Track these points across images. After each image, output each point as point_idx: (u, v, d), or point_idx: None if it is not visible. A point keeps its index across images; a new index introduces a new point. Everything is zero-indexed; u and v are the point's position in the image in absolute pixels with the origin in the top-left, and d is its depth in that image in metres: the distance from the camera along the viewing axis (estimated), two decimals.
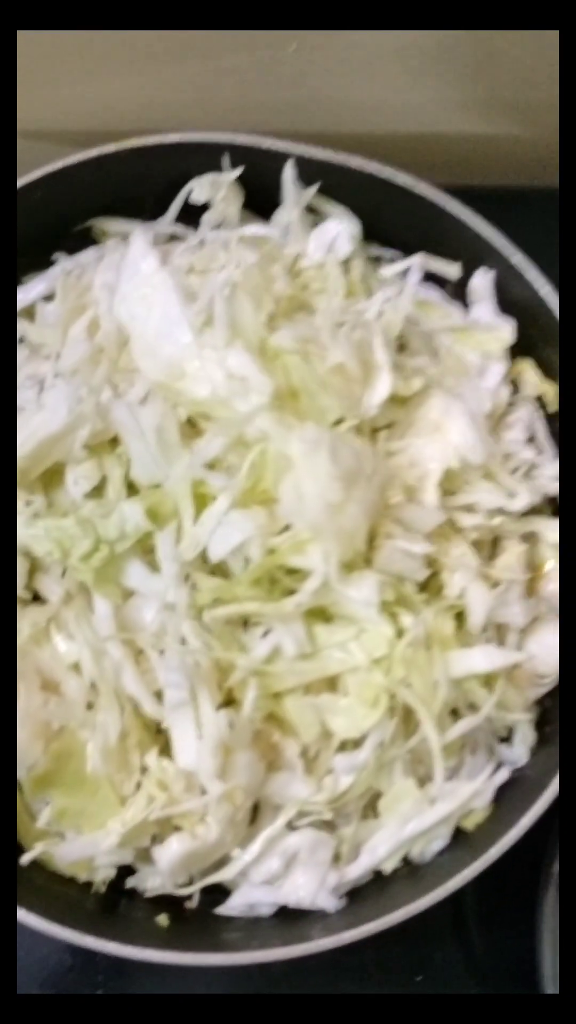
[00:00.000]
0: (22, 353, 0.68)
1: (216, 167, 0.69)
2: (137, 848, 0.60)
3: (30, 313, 0.70)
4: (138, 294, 0.63)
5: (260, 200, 0.71)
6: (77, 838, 0.59)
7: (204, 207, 0.70)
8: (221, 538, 0.57)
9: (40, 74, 0.71)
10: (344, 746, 0.60)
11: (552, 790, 0.59)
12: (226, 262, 0.66)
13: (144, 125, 0.69)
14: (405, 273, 0.71)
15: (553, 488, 0.66)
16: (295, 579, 0.58)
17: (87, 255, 0.71)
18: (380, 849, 0.61)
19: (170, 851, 0.58)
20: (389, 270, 0.71)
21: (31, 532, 0.58)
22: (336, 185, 0.69)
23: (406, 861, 0.63)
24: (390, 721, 0.59)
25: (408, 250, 0.71)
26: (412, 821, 0.61)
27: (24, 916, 0.56)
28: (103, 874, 0.61)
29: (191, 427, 0.61)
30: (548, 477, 0.67)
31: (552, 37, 0.63)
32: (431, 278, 0.72)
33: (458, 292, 0.72)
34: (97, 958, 0.60)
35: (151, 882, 0.61)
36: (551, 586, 0.66)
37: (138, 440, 0.59)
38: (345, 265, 0.69)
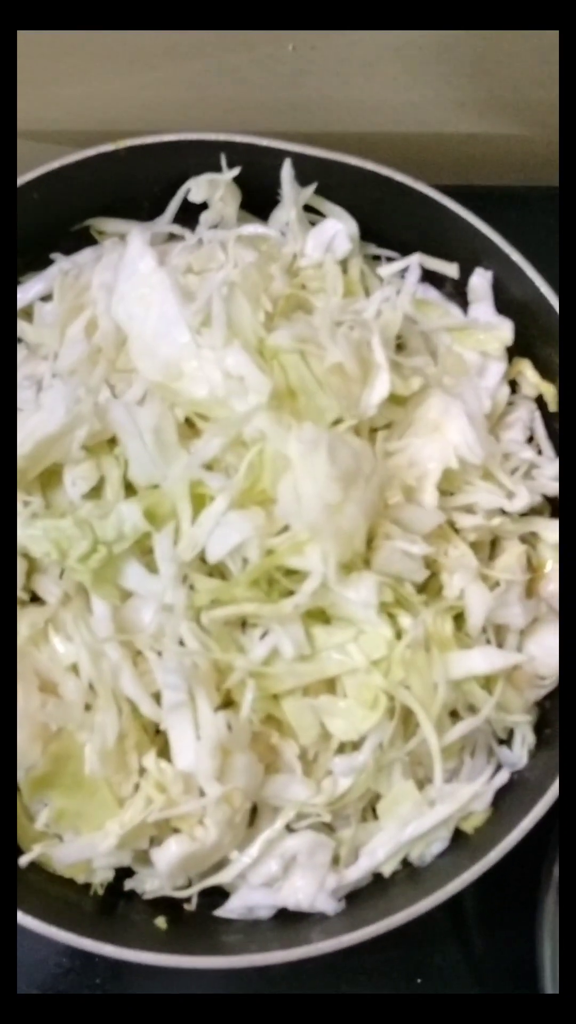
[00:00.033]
0: (20, 353, 0.68)
1: (214, 167, 0.69)
2: (135, 850, 0.60)
3: (28, 313, 0.70)
4: (136, 294, 0.63)
5: (258, 199, 0.71)
6: (75, 840, 0.59)
7: (202, 206, 0.70)
8: (219, 539, 0.57)
9: (39, 74, 0.71)
10: (343, 748, 0.60)
11: (552, 792, 0.59)
12: (224, 262, 0.67)
13: (142, 125, 0.69)
14: (404, 272, 0.71)
15: (552, 488, 0.66)
16: (293, 580, 0.58)
17: (85, 255, 0.71)
18: (379, 851, 0.61)
19: (168, 853, 0.58)
20: (387, 269, 0.72)
21: (29, 533, 0.58)
22: (334, 184, 0.69)
23: (405, 863, 0.62)
24: (389, 723, 0.59)
25: (406, 249, 0.71)
26: (411, 823, 0.61)
27: (22, 918, 0.56)
28: (101, 876, 0.61)
29: (189, 427, 0.61)
30: (547, 477, 0.67)
31: (552, 37, 0.63)
32: (430, 277, 0.72)
33: (457, 291, 0.72)
34: (95, 959, 0.60)
35: (149, 884, 0.61)
36: (551, 587, 0.65)
37: (136, 440, 0.59)
38: (343, 264, 0.69)
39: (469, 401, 0.64)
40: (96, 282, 0.66)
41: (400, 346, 0.67)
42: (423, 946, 0.69)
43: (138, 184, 0.70)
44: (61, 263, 0.71)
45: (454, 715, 0.62)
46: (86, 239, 0.72)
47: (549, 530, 0.65)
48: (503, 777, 0.63)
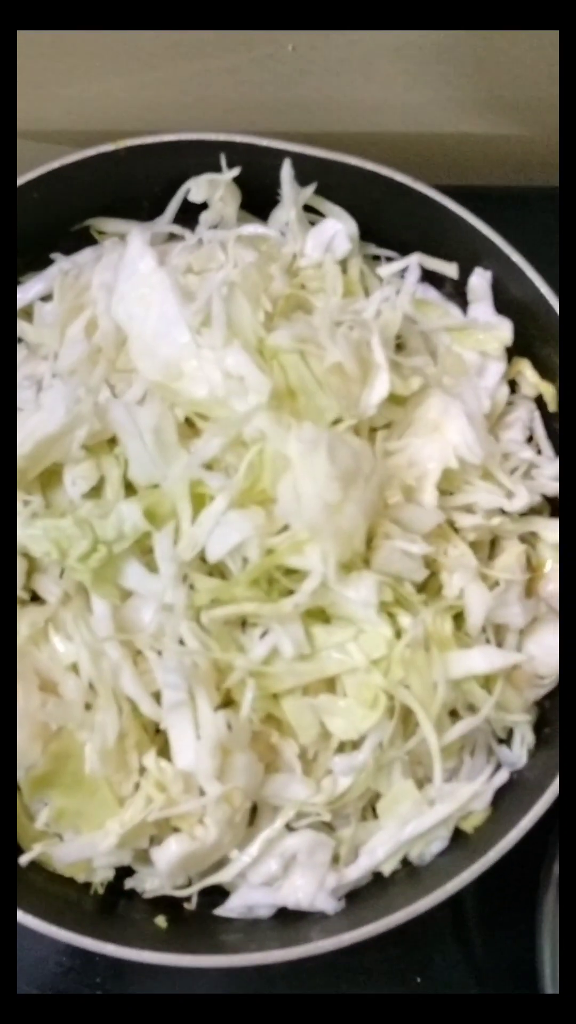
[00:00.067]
0: (20, 353, 0.68)
1: (214, 167, 0.69)
2: (135, 849, 0.60)
3: (28, 313, 0.70)
4: (136, 294, 0.63)
5: (258, 199, 0.71)
6: (75, 839, 0.59)
7: (202, 206, 0.70)
8: (219, 538, 0.57)
9: (39, 74, 0.71)
10: (343, 747, 0.60)
11: (551, 792, 0.59)
12: (224, 262, 0.67)
13: (142, 125, 0.69)
14: (403, 272, 0.71)
15: (552, 488, 0.66)
16: (293, 580, 0.58)
17: (85, 255, 0.71)
18: (379, 851, 0.61)
19: (168, 852, 0.58)
20: (387, 269, 0.72)
21: (29, 532, 0.58)
22: (334, 184, 0.69)
23: (405, 863, 0.62)
24: (389, 722, 0.59)
25: (406, 249, 0.71)
26: (411, 823, 0.61)
27: (23, 917, 0.56)
28: (101, 875, 0.61)
29: (189, 427, 0.61)
30: (547, 477, 0.67)
31: (552, 37, 0.63)
32: (429, 277, 0.72)
33: (456, 292, 0.72)
34: (96, 959, 0.60)
35: (150, 883, 0.61)
36: (550, 586, 0.65)
37: (136, 440, 0.59)
38: (343, 264, 0.69)
39: (469, 401, 0.64)
40: (96, 282, 0.66)
41: (400, 346, 0.67)
42: (423, 945, 0.69)
43: (138, 184, 0.70)
44: (61, 263, 0.71)
45: (454, 714, 0.62)
46: (86, 239, 0.72)
47: (548, 530, 0.66)
48: (503, 776, 0.63)
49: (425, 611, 0.59)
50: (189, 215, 0.71)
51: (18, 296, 0.70)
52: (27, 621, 0.60)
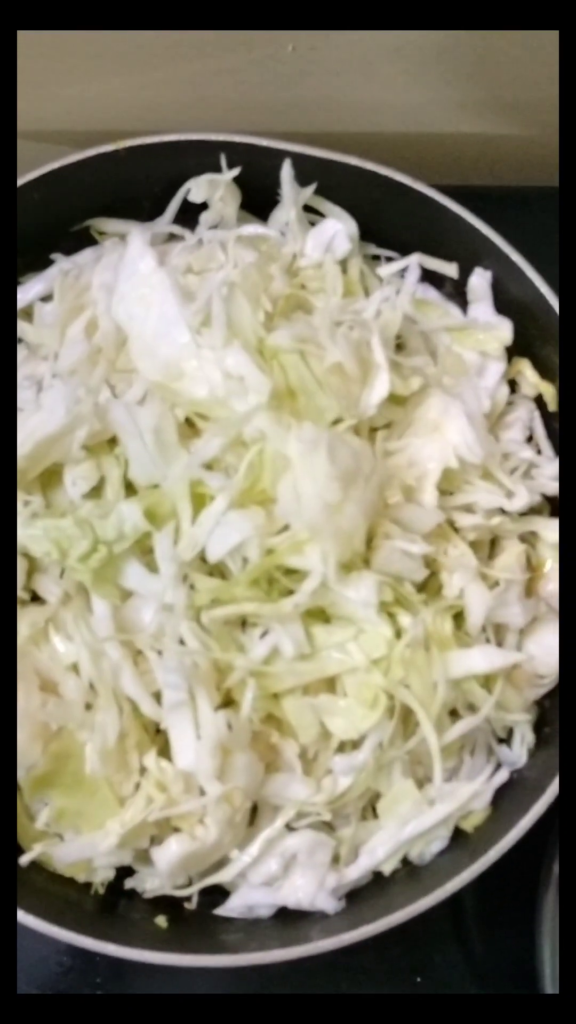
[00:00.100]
0: (20, 353, 0.68)
1: (214, 167, 0.69)
2: (136, 849, 0.60)
3: (28, 313, 0.70)
4: (136, 294, 0.63)
5: (258, 200, 0.71)
6: (76, 839, 0.59)
7: (202, 207, 0.70)
8: (219, 538, 0.57)
9: (39, 74, 0.71)
10: (343, 747, 0.60)
11: (551, 791, 0.59)
12: (224, 262, 0.67)
13: (142, 125, 0.69)
14: (403, 272, 0.71)
15: (552, 488, 0.66)
16: (293, 579, 0.58)
17: (85, 255, 0.71)
18: (379, 850, 0.61)
19: (169, 852, 0.58)
20: (387, 269, 0.72)
21: (29, 532, 0.58)
22: (334, 185, 0.69)
23: (405, 862, 0.62)
24: (389, 722, 0.59)
25: (406, 249, 0.72)
26: (411, 822, 0.61)
27: (23, 917, 0.56)
28: (102, 875, 0.61)
29: (189, 427, 0.61)
30: (547, 477, 0.67)
31: (552, 37, 0.63)
32: (429, 277, 0.72)
33: (456, 291, 0.72)
34: (96, 959, 0.60)
35: (150, 883, 0.61)
36: (550, 586, 0.66)
37: (136, 440, 0.59)
38: (343, 264, 0.69)
39: (468, 401, 0.64)
40: (96, 282, 0.66)
41: (400, 346, 0.67)
42: (423, 945, 0.70)
43: (138, 184, 0.70)
44: (61, 263, 0.71)
45: (454, 714, 0.62)
46: (86, 239, 0.72)
47: (548, 529, 0.66)
48: (502, 776, 0.63)
49: (425, 611, 0.60)
50: (189, 215, 0.71)
51: (19, 296, 0.70)
52: (27, 621, 0.60)
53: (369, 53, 0.74)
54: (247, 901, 0.61)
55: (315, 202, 0.70)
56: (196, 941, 0.60)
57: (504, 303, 0.69)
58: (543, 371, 0.69)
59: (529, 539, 0.66)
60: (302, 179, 0.69)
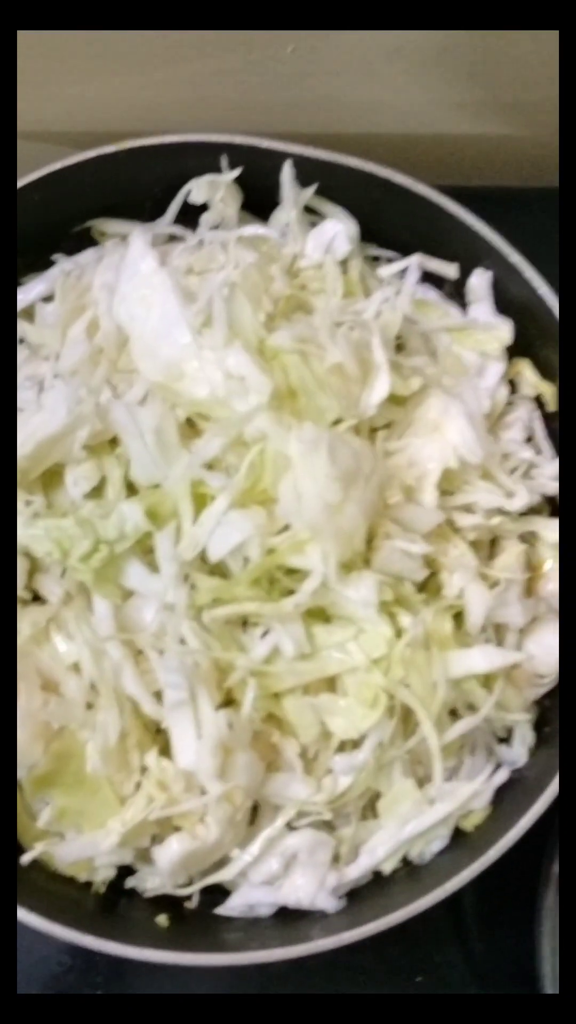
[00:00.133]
0: (22, 354, 0.68)
1: (215, 168, 0.69)
2: (137, 848, 0.60)
3: (29, 314, 0.70)
4: (137, 295, 0.63)
5: (258, 200, 0.71)
6: (77, 838, 0.60)
7: (203, 208, 0.70)
8: (220, 538, 0.57)
9: (40, 74, 0.71)
10: (343, 746, 0.60)
11: (551, 790, 0.59)
12: (225, 262, 0.67)
13: (143, 126, 0.69)
14: (403, 273, 0.71)
15: (551, 488, 0.67)
16: (294, 579, 0.58)
17: (86, 256, 0.71)
18: (379, 850, 0.61)
19: (170, 851, 0.58)
20: (387, 270, 0.72)
21: (31, 532, 0.58)
22: (334, 185, 0.69)
23: (405, 862, 0.63)
24: (389, 721, 0.59)
25: (406, 250, 0.72)
26: (411, 822, 0.61)
27: (24, 916, 0.56)
28: (103, 874, 0.61)
29: (190, 427, 0.62)
30: (546, 477, 0.67)
31: (552, 37, 0.63)
32: (429, 278, 0.72)
33: (456, 292, 0.72)
34: (96, 958, 0.60)
35: (151, 882, 0.62)
36: (550, 586, 0.66)
37: (137, 440, 0.59)
38: (343, 265, 0.69)
39: (468, 401, 0.64)
40: (97, 283, 0.66)
41: (400, 346, 0.67)
42: (423, 944, 0.70)
43: (139, 185, 0.70)
44: (63, 264, 0.71)
45: (454, 714, 0.62)
46: (87, 240, 0.72)
47: (548, 529, 0.66)
48: (502, 775, 0.64)
49: (425, 610, 0.60)
50: (190, 216, 0.71)
51: (20, 297, 0.70)
52: (29, 621, 0.60)
53: (369, 54, 0.74)
54: (248, 900, 0.61)
55: (315, 203, 0.70)
56: (197, 940, 0.60)
57: (504, 303, 0.70)
58: (543, 371, 0.69)
59: (529, 539, 0.66)
60: (303, 180, 0.69)
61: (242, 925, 0.62)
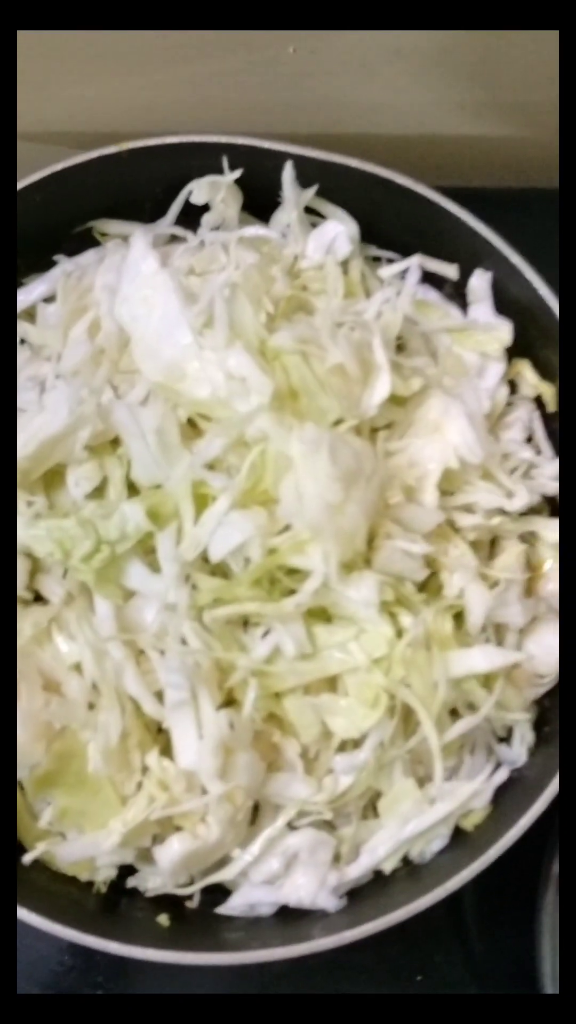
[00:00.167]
0: (23, 354, 0.68)
1: (215, 169, 0.69)
2: (138, 848, 0.60)
3: (31, 314, 0.70)
4: (139, 295, 0.63)
5: (259, 201, 0.71)
6: (78, 838, 0.60)
7: (204, 208, 0.70)
8: (221, 538, 0.58)
9: (40, 75, 0.71)
10: (344, 746, 0.60)
11: (551, 790, 0.59)
12: (226, 263, 0.67)
13: (144, 127, 0.70)
14: (404, 274, 0.72)
15: (551, 488, 0.67)
16: (295, 579, 0.58)
17: (88, 257, 0.71)
18: (380, 849, 0.62)
19: (171, 851, 0.58)
20: (388, 271, 0.72)
21: (32, 533, 0.58)
22: (335, 186, 0.69)
23: (406, 861, 0.63)
24: (390, 721, 0.59)
25: (407, 251, 0.72)
26: (412, 821, 0.61)
27: (25, 915, 0.56)
28: (104, 874, 0.61)
29: (191, 428, 0.62)
30: (546, 477, 0.67)
31: (552, 37, 0.63)
32: (429, 279, 0.72)
33: (456, 293, 0.72)
34: (97, 958, 0.60)
35: (152, 882, 0.62)
36: (550, 586, 0.66)
37: (139, 441, 0.59)
38: (344, 266, 0.69)
39: (469, 401, 0.64)
40: (99, 284, 0.66)
41: (400, 347, 0.67)
42: (423, 943, 0.70)
43: (140, 186, 0.70)
44: (64, 264, 0.71)
45: (454, 713, 0.62)
46: (89, 241, 0.72)
47: (548, 529, 0.66)
48: (503, 775, 0.64)
49: (426, 610, 0.60)
50: (191, 217, 0.71)
51: (21, 298, 0.70)
52: (30, 621, 0.60)
53: (369, 54, 0.74)
54: (249, 899, 0.61)
55: (316, 204, 0.70)
56: (198, 939, 0.60)
57: (504, 304, 0.70)
58: (543, 372, 0.69)
59: (529, 539, 0.66)
60: (303, 181, 0.69)
61: (243, 924, 0.62)
